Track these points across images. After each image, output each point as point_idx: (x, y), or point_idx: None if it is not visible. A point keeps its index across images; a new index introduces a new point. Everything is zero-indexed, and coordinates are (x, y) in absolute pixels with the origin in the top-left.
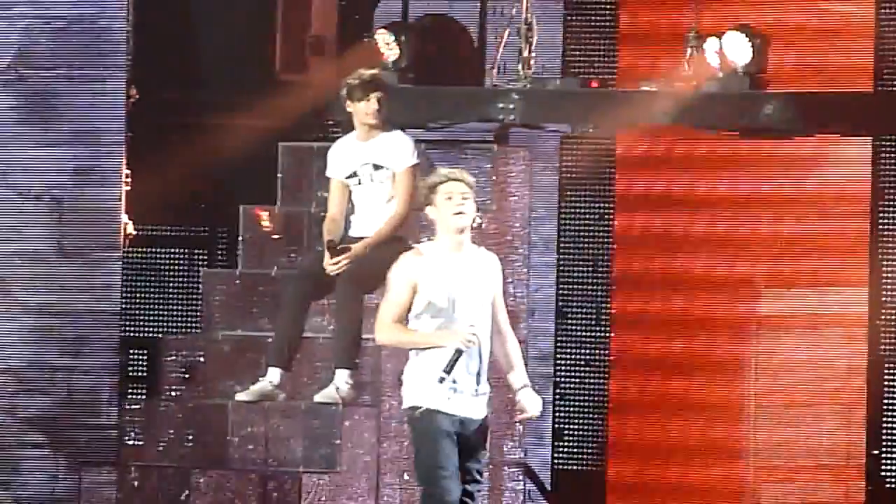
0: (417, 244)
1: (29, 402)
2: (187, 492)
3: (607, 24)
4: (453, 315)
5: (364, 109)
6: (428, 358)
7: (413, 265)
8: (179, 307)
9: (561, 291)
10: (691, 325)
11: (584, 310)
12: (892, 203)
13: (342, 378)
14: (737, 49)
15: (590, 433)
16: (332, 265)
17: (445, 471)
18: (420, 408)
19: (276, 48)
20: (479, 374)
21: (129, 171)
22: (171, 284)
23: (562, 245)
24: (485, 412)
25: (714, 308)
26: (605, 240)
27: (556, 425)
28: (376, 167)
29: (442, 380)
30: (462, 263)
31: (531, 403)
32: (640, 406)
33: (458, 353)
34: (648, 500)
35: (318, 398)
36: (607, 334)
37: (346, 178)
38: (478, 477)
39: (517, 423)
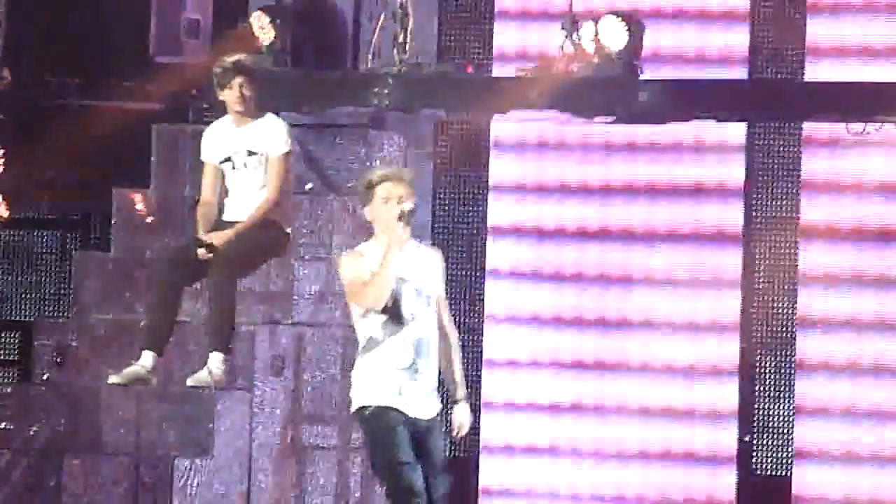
0: (356, 246)
1: None
2: (59, 477)
3: (483, 8)
4: (400, 311)
5: (229, 97)
6: (375, 357)
7: (355, 267)
8: (52, 290)
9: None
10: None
11: (457, 297)
12: (764, 191)
13: (215, 362)
14: (612, 34)
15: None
16: (202, 254)
17: (405, 462)
18: (370, 407)
19: (150, 30)
20: (428, 373)
21: (1, 153)
22: (43, 267)
23: (435, 231)
24: (435, 412)
25: (595, 302)
26: (479, 227)
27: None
28: (250, 153)
29: None
30: (404, 261)
31: (465, 419)
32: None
33: None
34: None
35: (190, 381)
36: (481, 324)
37: (220, 162)
38: (437, 484)
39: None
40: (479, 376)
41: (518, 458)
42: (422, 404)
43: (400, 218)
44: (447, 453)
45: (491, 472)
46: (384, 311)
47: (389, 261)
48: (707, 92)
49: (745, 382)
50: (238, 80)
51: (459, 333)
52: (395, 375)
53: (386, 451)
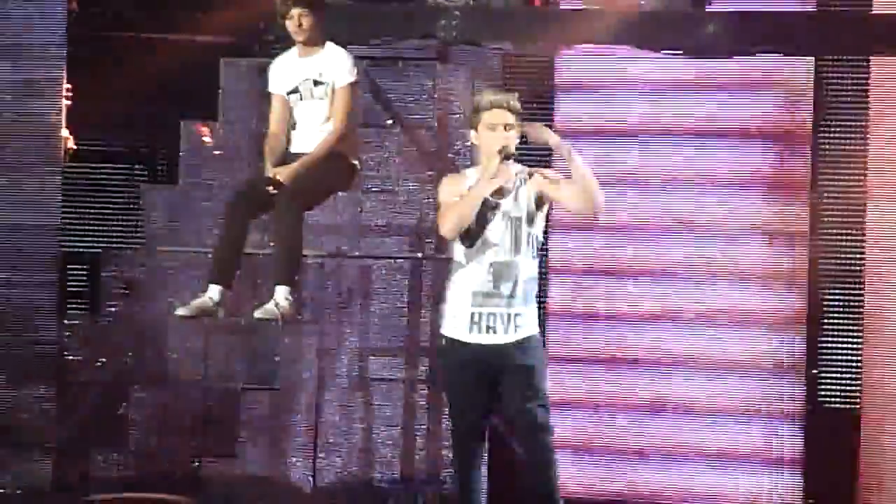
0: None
1: None
2: (126, 408)
3: None
4: (484, 236)
5: (290, 26)
6: (456, 281)
7: (450, 189)
8: (120, 222)
9: None
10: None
11: None
12: (833, 126)
13: (282, 295)
14: None
15: None
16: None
17: (458, 406)
18: (444, 337)
19: None
20: (511, 297)
21: (69, 86)
22: (111, 199)
23: None
24: (520, 337)
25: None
26: (545, 157)
27: None
28: (316, 83)
29: None
30: (500, 187)
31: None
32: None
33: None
34: None
35: (257, 314)
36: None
37: (288, 93)
38: (530, 416)
39: None
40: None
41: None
42: (502, 329)
43: (500, 151)
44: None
45: None
46: (468, 234)
47: (475, 194)
48: (774, 24)
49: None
50: (296, 10)
51: None
52: (472, 300)
53: (449, 394)
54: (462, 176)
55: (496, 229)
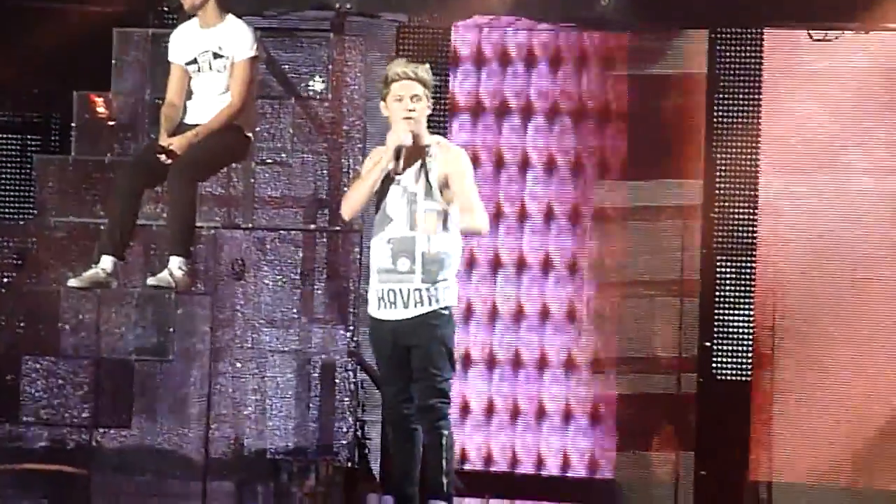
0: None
1: None
2: (18, 379)
3: None
4: (385, 212)
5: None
6: (370, 258)
7: (364, 166)
8: (12, 193)
9: None
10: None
11: None
12: (727, 95)
13: (176, 265)
14: None
15: None
16: (164, 160)
17: (383, 377)
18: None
19: None
20: (411, 273)
21: None
22: (3, 170)
23: None
24: (418, 312)
25: (550, 196)
26: (440, 127)
27: None
28: (216, 55)
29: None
30: (404, 162)
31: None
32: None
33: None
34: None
35: (151, 281)
36: None
37: (187, 63)
38: (419, 395)
39: (350, 314)
40: None
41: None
42: (401, 304)
43: (405, 118)
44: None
45: None
46: (376, 211)
47: (367, 178)
48: None
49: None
50: None
51: None
52: (377, 277)
53: (376, 365)
54: (378, 151)
55: (394, 205)
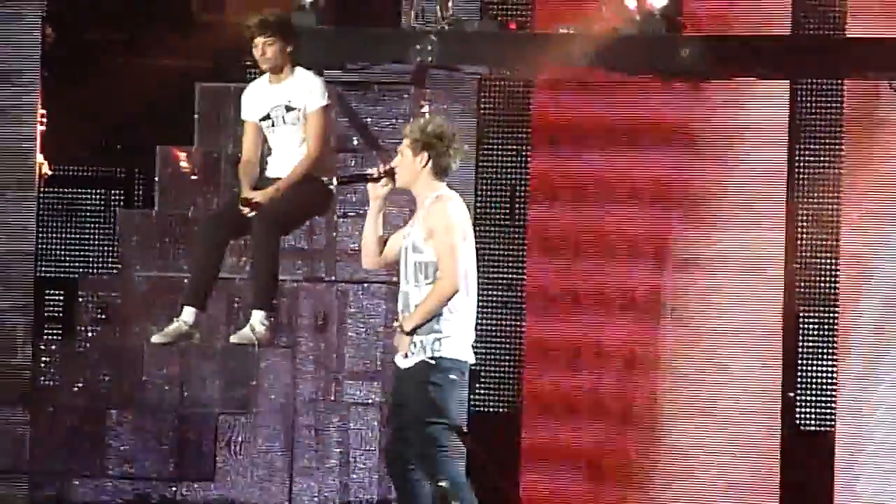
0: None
1: None
2: (102, 433)
3: None
4: (400, 267)
5: (255, 55)
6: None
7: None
8: (96, 247)
9: (478, 232)
10: (606, 264)
11: (501, 249)
12: (809, 145)
13: (258, 319)
14: None
15: (505, 376)
16: (246, 212)
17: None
18: None
19: None
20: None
21: (44, 111)
22: (87, 224)
23: (479, 188)
24: (410, 363)
25: (631, 247)
26: (523, 183)
27: (475, 367)
28: (288, 108)
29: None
30: (417, 216)
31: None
32: (556, 350)
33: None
34: (562, 444)
35: (233, 339)
36: (523, 279)
37: (260, 120)
38: (421, 446)
39: None
40: (521, 331)
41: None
42: (402, 356)
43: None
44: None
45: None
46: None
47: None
48: (749, 48)
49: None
50: (260, 38)
51: (503, 291)
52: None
53: None
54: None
55: (402, 258)
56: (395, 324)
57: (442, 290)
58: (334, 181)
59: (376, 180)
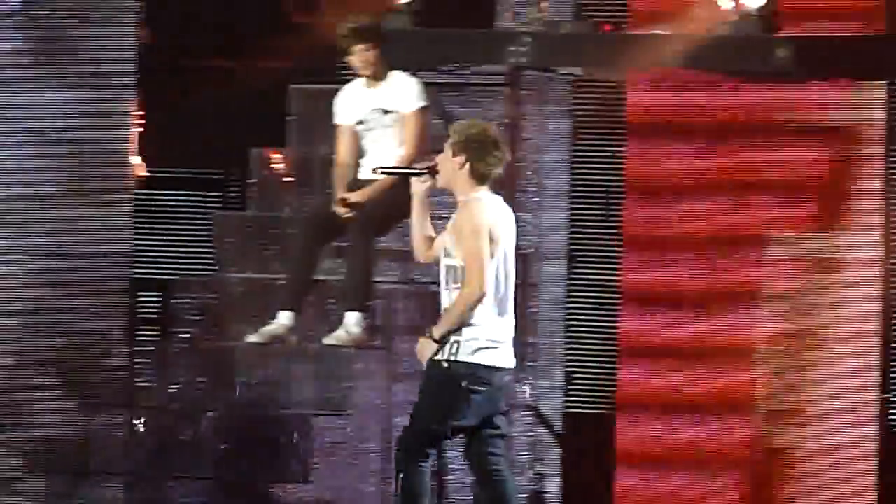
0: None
1: (40, 345)
2: (198, 435)
3: None
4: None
5: (352, 61)
6: None
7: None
8: (191, 249)
9: (572, 234)
10: (701, 263)
11: (596, 253)
12: None
13: (353, 320)
14: None
15: (600, 377)
16: (344, 212)
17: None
18: None
19: None
20: None
21: (140, 113)
22: (182, 227)
23: (573, 188)
24: (435, 358)
25: (724, 249)
26: (617, 183)
27: (567, 369)
28: (384, 111)
29: None
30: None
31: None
32: (651, 350)
33: None
34: (656, 444)
35: (328, 340)
36: (618, 278)
37: (356, 123)
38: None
39: (528, 367)
40: (615, 334)
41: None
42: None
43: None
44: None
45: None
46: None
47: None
48: (846, 48)
49: None
50: (359, 45)
51: (598, 291)
52: None
53: None
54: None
55: (440, 261)
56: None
57: (467, 296)
58: (377, 171)
59: (418, 175)
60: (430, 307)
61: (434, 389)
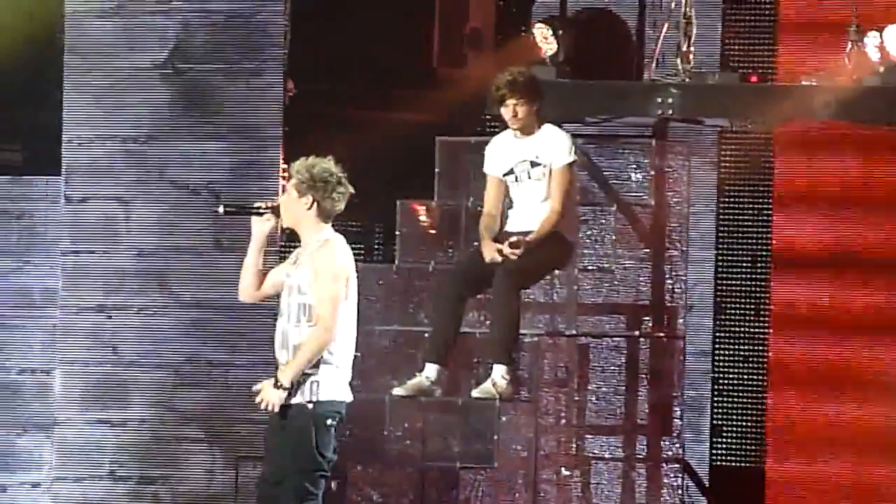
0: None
1: (187, 397)
2: (344, 487)
3: (766, 17)
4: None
5: (504, 114)
6: None
7: None
8: None
9: (719, 287)
10: (852, 322)
11: (743, 306)
12: None
13: (499, 373)
14: None
15: (749, 429)
16: (509, 252)
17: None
18: None
19: (433, 41)
20: (286, 365)
21: (286, 165)
22: None
23: (720, 240)
24: (292, 401)
25: (880, 304)
26: (764, 236)
27: (715, 421)
28: (533, 164)
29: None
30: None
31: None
32: (801, 402)
33: None
34: (809, 497)
35: (475, 394)
36: (766, 330)
37: (503, 175)
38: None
39: (674, 420)
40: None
41: None
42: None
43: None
44: None
45: None
46: None
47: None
48: None
49: None
50: (512, 100)
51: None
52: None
53: None
54: None
55: (284, 297)
56: (270, 379)
57: (319, 340)
58: (220, 209)
59: (260, 214)
60: (576, 358)
61: (298, 433)
